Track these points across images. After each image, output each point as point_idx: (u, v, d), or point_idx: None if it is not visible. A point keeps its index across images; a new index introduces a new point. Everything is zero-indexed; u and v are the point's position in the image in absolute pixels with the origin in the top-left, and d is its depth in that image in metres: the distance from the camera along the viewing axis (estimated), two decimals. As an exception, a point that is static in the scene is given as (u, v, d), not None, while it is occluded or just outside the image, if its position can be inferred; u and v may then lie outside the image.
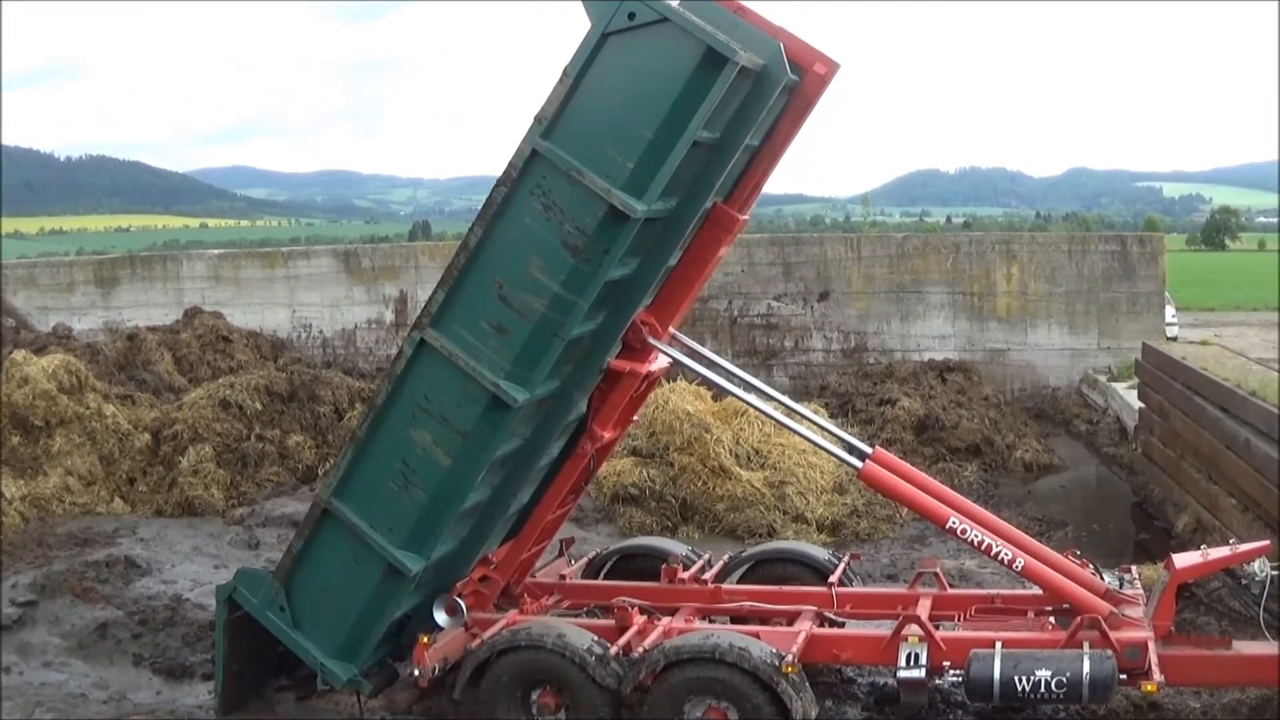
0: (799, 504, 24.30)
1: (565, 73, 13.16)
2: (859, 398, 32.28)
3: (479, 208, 13.55)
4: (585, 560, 17.95)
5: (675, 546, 18.03)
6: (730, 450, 25.09)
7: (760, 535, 23.12)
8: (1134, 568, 15.68)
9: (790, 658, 13.49)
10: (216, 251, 48.85)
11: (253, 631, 15.02)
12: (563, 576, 17.13)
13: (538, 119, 13.23)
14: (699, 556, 17.53)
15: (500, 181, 13.45)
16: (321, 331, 43.78)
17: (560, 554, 17.63)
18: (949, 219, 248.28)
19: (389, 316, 43.45)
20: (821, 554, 17.28)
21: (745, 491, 24.28)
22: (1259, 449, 19.27)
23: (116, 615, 18.82)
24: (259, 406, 28.69)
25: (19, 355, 28.62)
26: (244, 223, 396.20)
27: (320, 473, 27.85)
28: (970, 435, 29.79)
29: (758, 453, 25.57)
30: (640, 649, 13.93)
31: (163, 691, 16.59)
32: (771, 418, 16.23)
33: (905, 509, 15.90)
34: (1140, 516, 25.49)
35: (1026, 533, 22.96)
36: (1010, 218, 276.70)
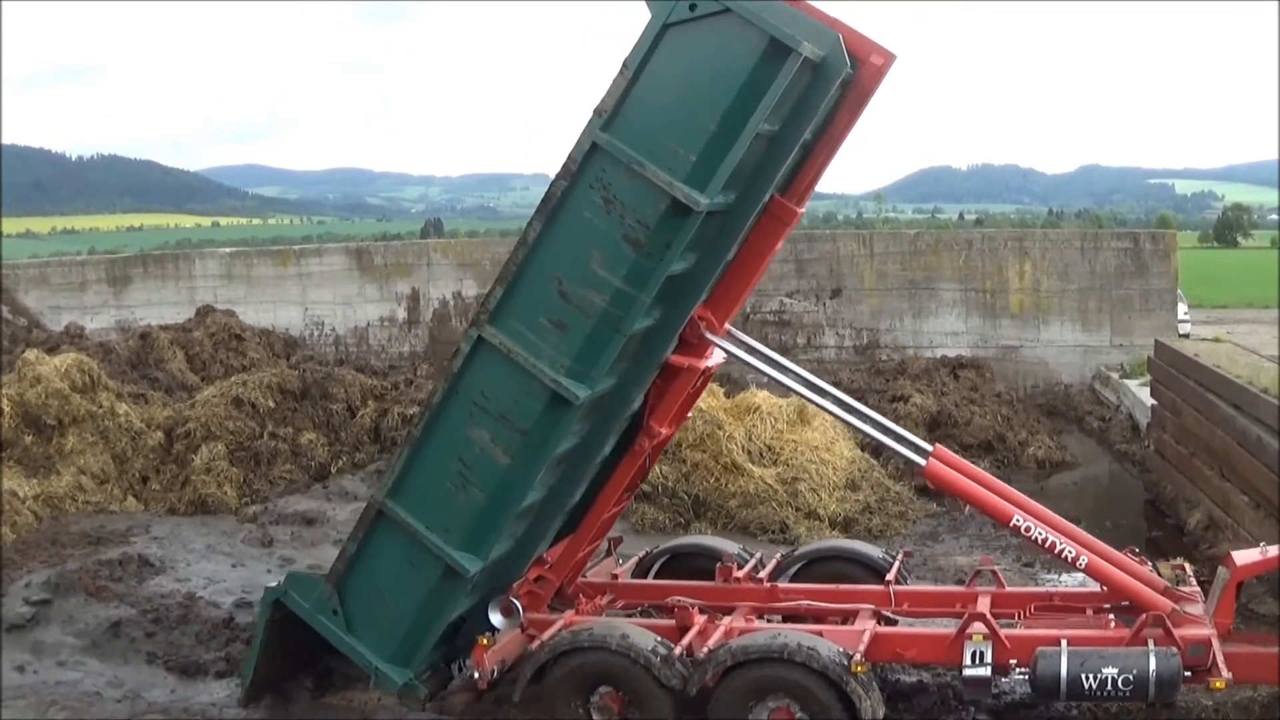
0: (811, 500, 24.30)
1: (625, 65, 13.12)
2: (871, 394, 32.22)
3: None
4: (635, 559, 17.90)
5: (726, 545, 17.96)
6: (743, 447, 25.08)
7: (772, 532, 23.17)
8: (1187, 564, 15.65)
9: (858, 657, 13.50)
10: (228, 250, 48.92)
11: (288, 631, 15.05)
12: (615, 576, 17.12)
13: (597, 112, 13.19)
14: (751, 555, 17.46)
15: (559, 175, 13.40)
16: (334, 329, 43.84)
17: (609, 553, 17.57)
18: (961, 216, 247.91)
19: (401, 314, 43.50)
20: (875, 552, 17.27)
21: (758, 488, 24.27)
22: (1271, 446, 19.25)
23: (130, 614, 18.82)
24: (271, 404, 28.71)
25: (31, 355, 28.64)
26: (256, 221, 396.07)
27: (333, 470, 27.93)
28: (983, 432, 29.77)
29: (770, 449, 25.56)
30: (705, 649, 13.91)
31: (177, 690, 16.63)
32: (830, 413, 16.07)
33: (967, 506, 15.74)
34: (1152, 513, 25.47)
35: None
36: (1023, 214, 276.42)
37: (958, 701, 15.44)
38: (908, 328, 39.01)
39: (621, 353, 13.62)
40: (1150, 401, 28.61)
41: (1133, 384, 33.17)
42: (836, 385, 32.27)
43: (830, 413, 16.06)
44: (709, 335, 14.57)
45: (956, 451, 27.66)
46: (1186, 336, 35.31)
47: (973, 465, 15.90)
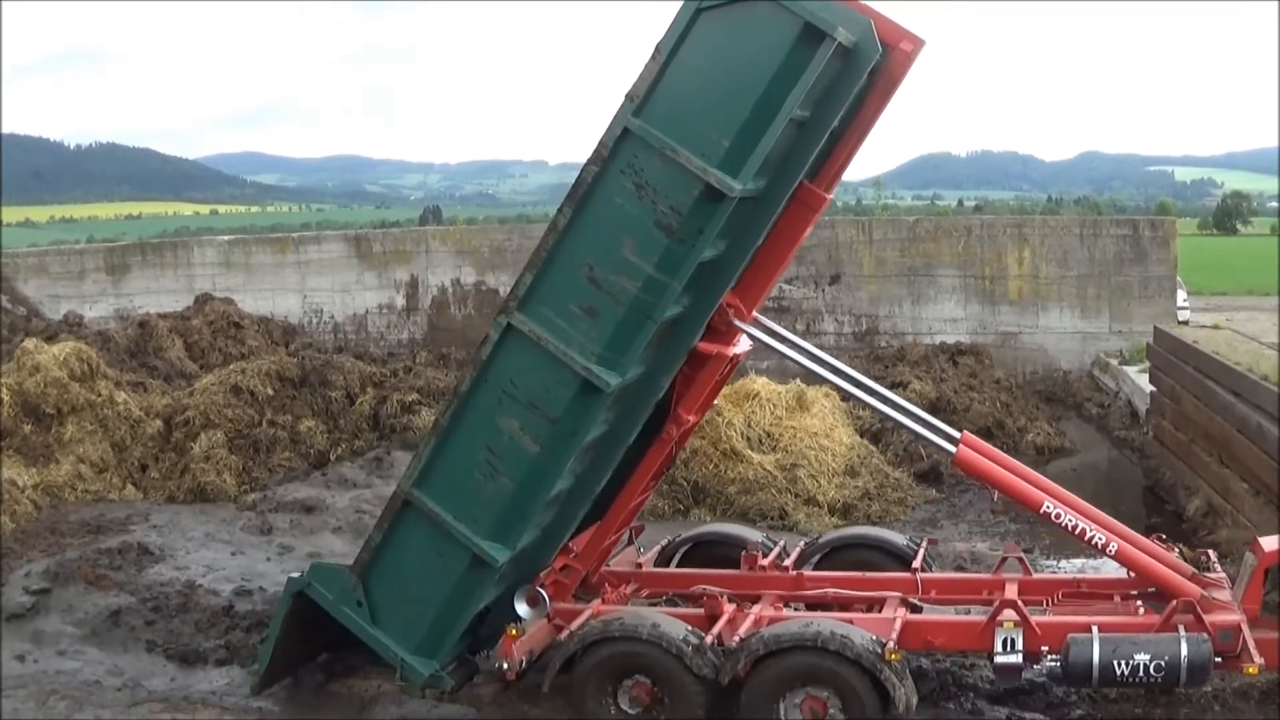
0: (810, 487, 24.34)
1: (658, 49, 13.06)
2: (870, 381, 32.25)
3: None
4: (658, 548, 17.78)
5: (749, 533, 17.94)
6: (741, 433, 25.11)
7: (771, 518, 23.19)
8: (1211, 551, 15.63)
9: (892, 645, 13.44)
10: (227, 238, 48.86)
11: (306, 622, 15.03)
12: (639, 565, 17.03)
13: (629, 97, 13.14)
14: (774, 543, 17.40)
15: (590, 161, 13.34)
16: (333, 317, 43.81)
17: (630, 542, 17.47)
18: (960, 202, 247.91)
19: (400, 301, 43.47)
20: (900, 539, 17.19)
21: (757, 474, 24.29)
22: (1271, 433, 19.27)
23: (130, 602, 18.85)
24: (270, 392, 28.74)
25: (30, 343, 28.65)
26: (254, 209, 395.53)
27: (332, 458, 27.96)
28: (981, 418, 29.77)
29: (769, 436, 25.59)
30: (736, 638, 13.84)
31: (176, 678, 16.63)
32: (860, 399, 15.94)
33: (996, 493, 15.68)
34: (1151, 500, 25.48)
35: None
36: (1022, 201, 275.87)
37: (957, 688, 15.47)
38: (907, 314, 38.99)
39: (651, 340, 13.57)
40: (1149, 388, 28.62)
41: (1132, 370, 33.16)
42: (835, 373, 32.58)
43: (861, 400, 15.92)
44: (737, 322, 14.50)
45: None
46: (1186, 323, 35.32)
47: (1001, 453, 15.81)
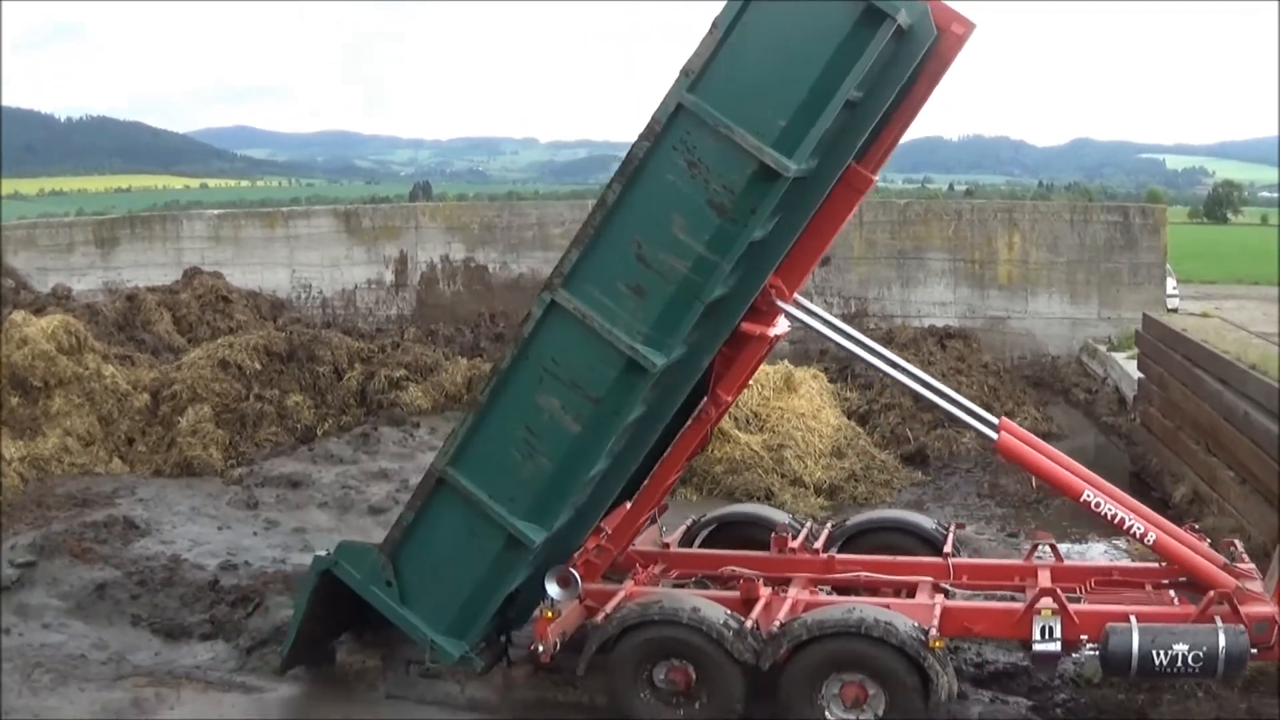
0: (797, 467, 24.38)
1: (714, 25, 12.84)
2: (858, 362, 32.18)
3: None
4: (683, 528, 17.67)
5: (776, 514, 17.83)
6: (729, 413, 25.11)
7: (758, 498, 23.13)
8: (1238, 542, 15.62)
9: (935, 632, 13.35)
10: (216, 211, 48.92)
11: (328, 600, 14.88)
12: (666, 545, 16.92)
13: (684, 72, 12.91)
14: (801, 524, 17.31)
15: (642, 136, 13.12)
16: (321, 292, 43.78)
17: (652, 521, 17.22)
18: (951, 186, 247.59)
19: (389, 277, 43.46)
20: (928, 523, 17.11)
21: (744, 454, 24.31)
22: (1258, 422, 19.29)
23: (115, 576, 18.85)
24: (258, 366, 28.74)
25: (18, 316, 28.58)
26: (244, 183, 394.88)
27: (319, 433, 28.00)
28: (969, 402, 29.78)
29: (757, 416, 25.61)
30: (777, 623, 13.71)
31: (161, 652, 16.63)
32: (898, 380, 15.82)
33: (1034, 479, 15.58)
34: (1137, 486, 25.43)
35: (1024, 500, 23.17)
36: (1013, 186, 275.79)
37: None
38: (896, 297, 39.00)
39: (697, 320, 13.38)
40: (1137, 375, 28.62)
41: (1120, 357, 33.17)
42: (823, 354, 32.58)
43: (900, 382, 15.81)
44: (779, 303, 14.36)
45: (943, 421, 27.98)
46: (1175, 311, 35.29)
47: (1039, 439, 15.77)
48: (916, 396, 15.90)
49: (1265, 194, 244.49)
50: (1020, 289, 38.44)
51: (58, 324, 27.86)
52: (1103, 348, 35.76)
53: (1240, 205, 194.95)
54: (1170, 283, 39.81)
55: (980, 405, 28.94)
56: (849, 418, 27.58)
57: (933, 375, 29.79)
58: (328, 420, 28.73)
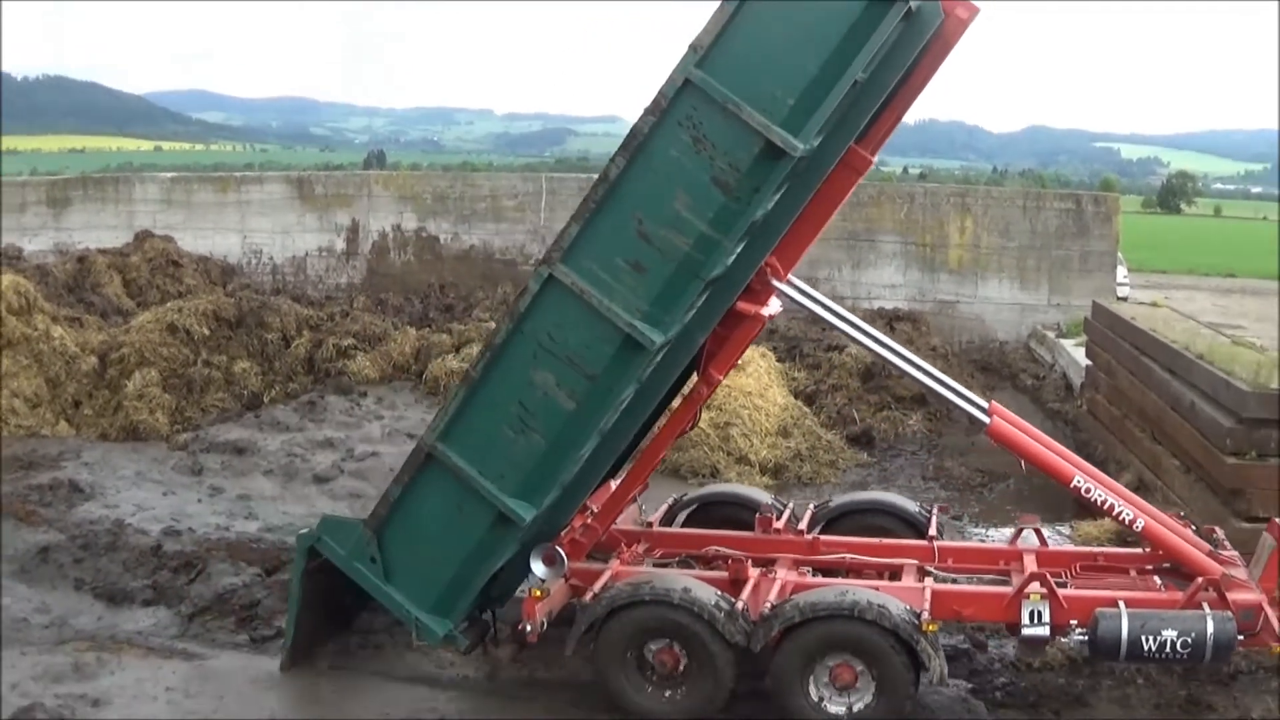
0: (743, 445, 24.38)
1: (724, 0, 12.75)
2: (807, 343, 32.29)
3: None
4: (664, 507, 17.58)
5: (758, 494, 17.77)
6: (675, 391, 25.15)
7: (703, 476, 23.22)
8: (1219, 529, 15.69)
9: (927, 615, 13.34)
10: (169, 175, 48.54)
11: (323, 583, 14.73)
12: (649, 524, 16.85)
13: (692, 47, 12.74)
14: (783, 505, 17.24)
15: (648, 111, 12.95)
16: (272, 258, 43.58)
17: (632, 501, 17.03)
18: (905, 170, 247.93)
19: (340, 245, 43.31)
20: (912, 505, 17.05)
21: (690, 432, 24.32)
22: (1204, 411, 19.40)
23: (59, 539, 18.74)
24: (206, 332, 28.61)
25: (-33, 275, 28.44)
26: (199, 147, 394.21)
27: (266, 400, 27.94)
28: (916, 385, 29.79)
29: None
30: (768, 605, 13.67)
31: (104, 617, 16.54)
32: (892, 364, 15.69)
33: (1024, 463, 15.52)
34: (1082, 473, 25.60)
35: (969, 484, 23.26)
36: (967, 171, 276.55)
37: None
38: (846, 278, 39.05)
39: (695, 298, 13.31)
40: (1085, 362, 28.72)
41: (1068, 344, 33.30)
42: (772, 333, 32.62)
43: (891, 364, 15.69)
44: (775, 282, 14.38)
45: (889, 403, 28.00)
46: (1125, 300, 35.43)
47: (1029, 425, 15.81)
48: (866, 378, 15.95)
49: (1219, 185, 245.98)
50: (971, 274, 38.61)
51: (8, 284, 27.66)
52: (1051, 334, 35.92)
53: (1194, 196, 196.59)
54: (1121, 271, 40.08)
55: (927, 389, 29.27)
56: (796, 398, 27.63)
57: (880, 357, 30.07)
58: (275, 387, 28.63)
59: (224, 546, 18.73)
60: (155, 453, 24.49)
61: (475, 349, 29.30)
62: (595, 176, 13.45)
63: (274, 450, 24.16)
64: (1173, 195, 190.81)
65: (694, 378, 14.95)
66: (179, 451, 24.27)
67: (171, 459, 23.84)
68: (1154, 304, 28.75)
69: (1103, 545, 17.14)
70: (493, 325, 30.86)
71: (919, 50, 13.42)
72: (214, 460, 23.61)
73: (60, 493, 20.95)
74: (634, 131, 13.00)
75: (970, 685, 14.92)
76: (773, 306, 15.13)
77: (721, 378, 15.03)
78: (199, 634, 15.93)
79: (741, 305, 14.10)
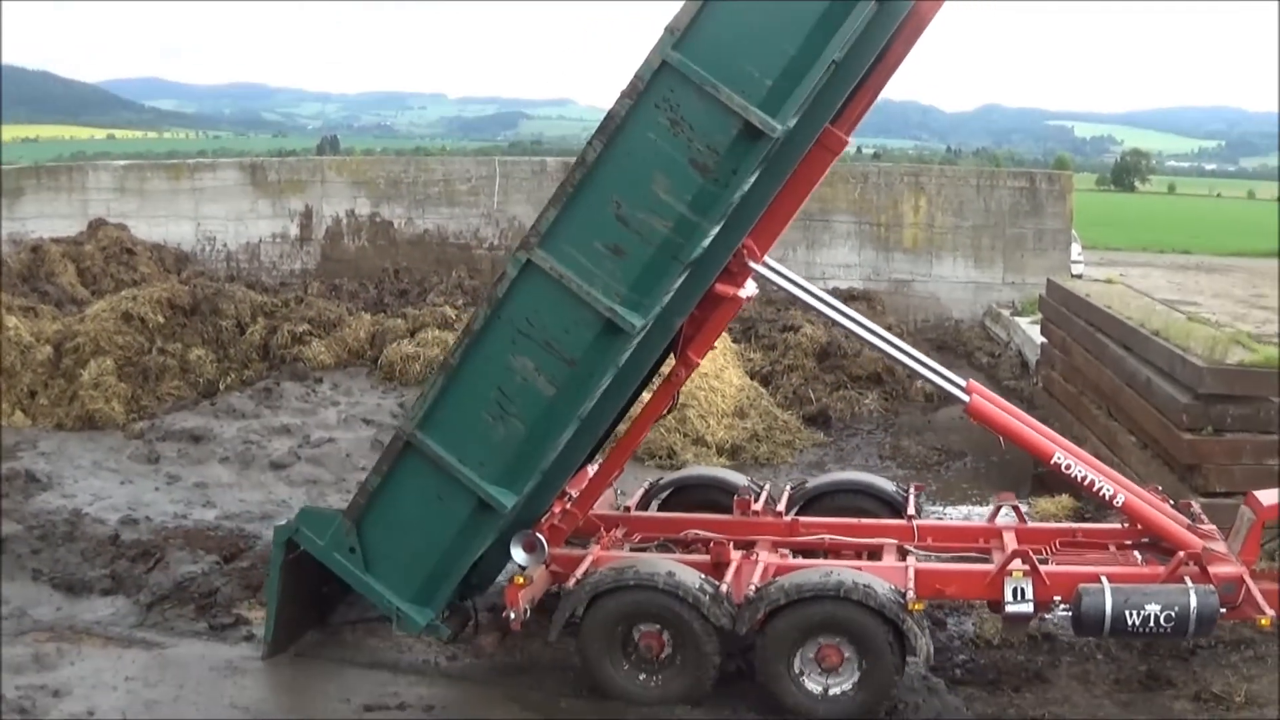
0: (699, 427, 24.40)
1: None
2: (762, 324, 32.30)
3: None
4: (640, 491, 17.58)
5: (734, 476, 17.71)
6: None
7: (660, 457, 23.25)
8: (1195, 503, 15.76)
9: (912, 595, 13.35)
10: (122, 163, 48.31)
11: (302, 574, 14.66)
12: (627, 509, 16.84)
13: (669, 29, 12.67)
14: (760, 487, 17.23)
15: (624, 94, 12.87)
16: (225, 245, 43.39)
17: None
18: (859, 149, 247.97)
19: (294, 230, 43.16)
20: (888, 485, 17.07)
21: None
22: (1159, 388, 19.47)
23: (16, 530, 18.65)
24: (161, 320, 28.52)
25: (-80, 265, 28.32)
26: (152, 134, 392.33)
27: (221, 387, 27.87)
28: (871, 364, 29.76)
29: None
30: (752, 587, 13.65)
31: (63, 607, 16.47)
32: (868, 343, 15.77)
33: (1003, 439, 15.52)
34: (1038, 449, 25.68)
35: (926, 462, 23.34)
36: (920, 150, 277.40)
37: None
38: (801, 259, 38.94)
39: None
40: (1040, 339, 28.81)
41: (1023, 321, 33.43)
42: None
43: (868, 343, 15.76)
44: (751, 263, 14.31)
45: (845, 382, 28.04)
46: (1079, 277, 35.53)
47: (1008, 403, 15.86)
48: (822, 358, 15.95)
49: (1173, 163, 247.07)
50: (925, 253, 38.72)
51: (-39, 275, 27.62)
52: (1006, 312, 36.05)
53: (1147, 174, 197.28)
54: (1075, 249, 40.23)
55: (882, 368, 29.44)
56: (752, 378, 27.66)
57: (835, 336, 30.17)
58: (230, 374, 28.56)
59: (182, 535, 18.71)
60: (112, 442, 24.42)
61: (430, 333, 29.32)
62: (547, 160, 13.43)
63: (230, 437, 24.12)
64: (1126, 173, 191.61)
65: (670, 361, 14.93)
66: (135, 440, 24.20)
67: (128, 448, 23.77)
68: (1109, 281, 28.84)
69: (1060, 522, 17.18)
70: (447, 310, 30.90)
71: (894, 29, 13.34)
72: (170, 448, 23.56)
73: (17, 483, 20.86)
74: (611, 115, 12.94)
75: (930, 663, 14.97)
76: (749, 288, 15.01)
77: (699, 360, 14.98)
78: (158, 623, 15.88)
79: (719, 287, 14.05)
